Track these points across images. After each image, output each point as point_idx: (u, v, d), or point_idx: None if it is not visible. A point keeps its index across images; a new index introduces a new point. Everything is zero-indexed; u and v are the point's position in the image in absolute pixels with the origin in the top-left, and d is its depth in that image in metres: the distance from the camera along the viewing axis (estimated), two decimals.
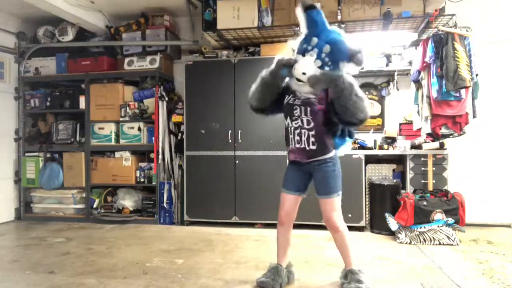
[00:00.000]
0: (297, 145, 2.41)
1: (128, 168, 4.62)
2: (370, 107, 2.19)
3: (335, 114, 2.27)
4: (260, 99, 2.46)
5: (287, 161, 2.60)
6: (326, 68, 2.27)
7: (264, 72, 2.42)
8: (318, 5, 2.38)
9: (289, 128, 2.45)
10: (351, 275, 2.42)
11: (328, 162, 2.41)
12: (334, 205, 2.43)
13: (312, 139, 2.37)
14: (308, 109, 2.35)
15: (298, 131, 2.39)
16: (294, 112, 2.39)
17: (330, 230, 2.50)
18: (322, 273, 2.79)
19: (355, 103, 2.18)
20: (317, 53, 2.27)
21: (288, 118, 2.44)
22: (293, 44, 2.43)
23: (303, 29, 2.39)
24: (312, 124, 2.35)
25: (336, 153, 2.46)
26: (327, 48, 2.25)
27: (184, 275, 2.77)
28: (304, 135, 2.38)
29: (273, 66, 2.38)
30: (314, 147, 2.38)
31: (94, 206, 4.71)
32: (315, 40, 2.28)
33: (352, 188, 4.03)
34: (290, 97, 2.44)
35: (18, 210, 4.88)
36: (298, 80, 2.31)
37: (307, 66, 2.27)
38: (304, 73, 2.26)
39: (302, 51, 2.33)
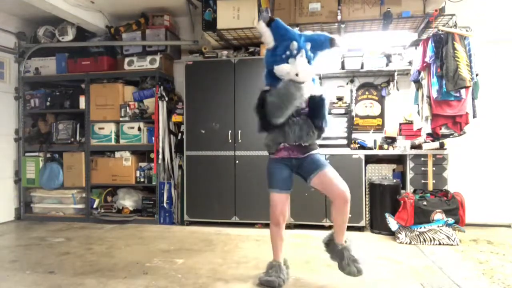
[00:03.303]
0: (293, 143, 2.50)
1: (128, 168, 4.62)
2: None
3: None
4: (286, 114, 2.40)
5: (272, 160, 2.60)
6: (312, 63, 2.42)
7: (292, 89, 2.33)
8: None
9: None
10: (348, 253, 2.45)
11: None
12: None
13: None
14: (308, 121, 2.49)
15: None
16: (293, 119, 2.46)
17: (341, 203, 2.47)
18: (322, 274, 2.79)
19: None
20: (305, 53, 2.36)
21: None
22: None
23: (270, 42, 2.44)
24: None
25: None
26: (308, 45, 2.41)
27: (184, 275, 2.77)
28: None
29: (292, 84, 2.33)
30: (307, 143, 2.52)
31: (94, 206, 4.71)
32: (295, 43, 2.36)
33: (352, 188, 3.93)
34: None
35: (18, 210, 4.88)
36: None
37: (308, 66, 2.37)
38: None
39: (287, 58, 2.36)
